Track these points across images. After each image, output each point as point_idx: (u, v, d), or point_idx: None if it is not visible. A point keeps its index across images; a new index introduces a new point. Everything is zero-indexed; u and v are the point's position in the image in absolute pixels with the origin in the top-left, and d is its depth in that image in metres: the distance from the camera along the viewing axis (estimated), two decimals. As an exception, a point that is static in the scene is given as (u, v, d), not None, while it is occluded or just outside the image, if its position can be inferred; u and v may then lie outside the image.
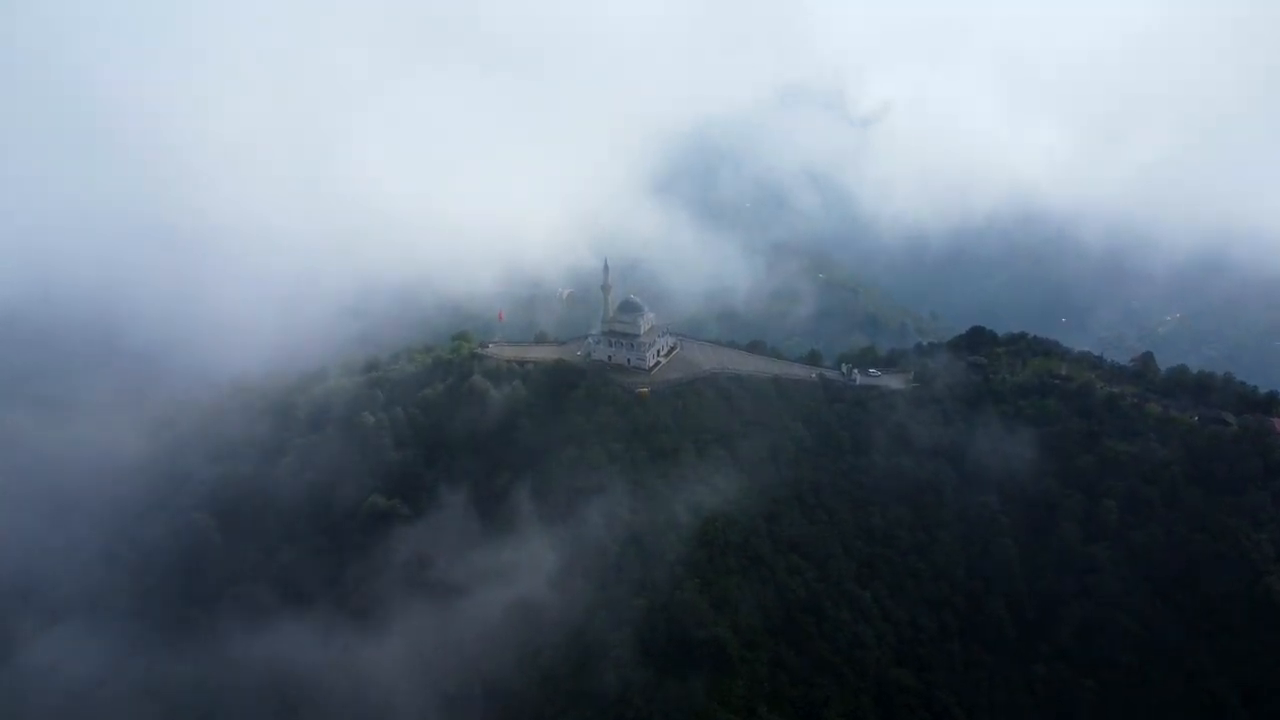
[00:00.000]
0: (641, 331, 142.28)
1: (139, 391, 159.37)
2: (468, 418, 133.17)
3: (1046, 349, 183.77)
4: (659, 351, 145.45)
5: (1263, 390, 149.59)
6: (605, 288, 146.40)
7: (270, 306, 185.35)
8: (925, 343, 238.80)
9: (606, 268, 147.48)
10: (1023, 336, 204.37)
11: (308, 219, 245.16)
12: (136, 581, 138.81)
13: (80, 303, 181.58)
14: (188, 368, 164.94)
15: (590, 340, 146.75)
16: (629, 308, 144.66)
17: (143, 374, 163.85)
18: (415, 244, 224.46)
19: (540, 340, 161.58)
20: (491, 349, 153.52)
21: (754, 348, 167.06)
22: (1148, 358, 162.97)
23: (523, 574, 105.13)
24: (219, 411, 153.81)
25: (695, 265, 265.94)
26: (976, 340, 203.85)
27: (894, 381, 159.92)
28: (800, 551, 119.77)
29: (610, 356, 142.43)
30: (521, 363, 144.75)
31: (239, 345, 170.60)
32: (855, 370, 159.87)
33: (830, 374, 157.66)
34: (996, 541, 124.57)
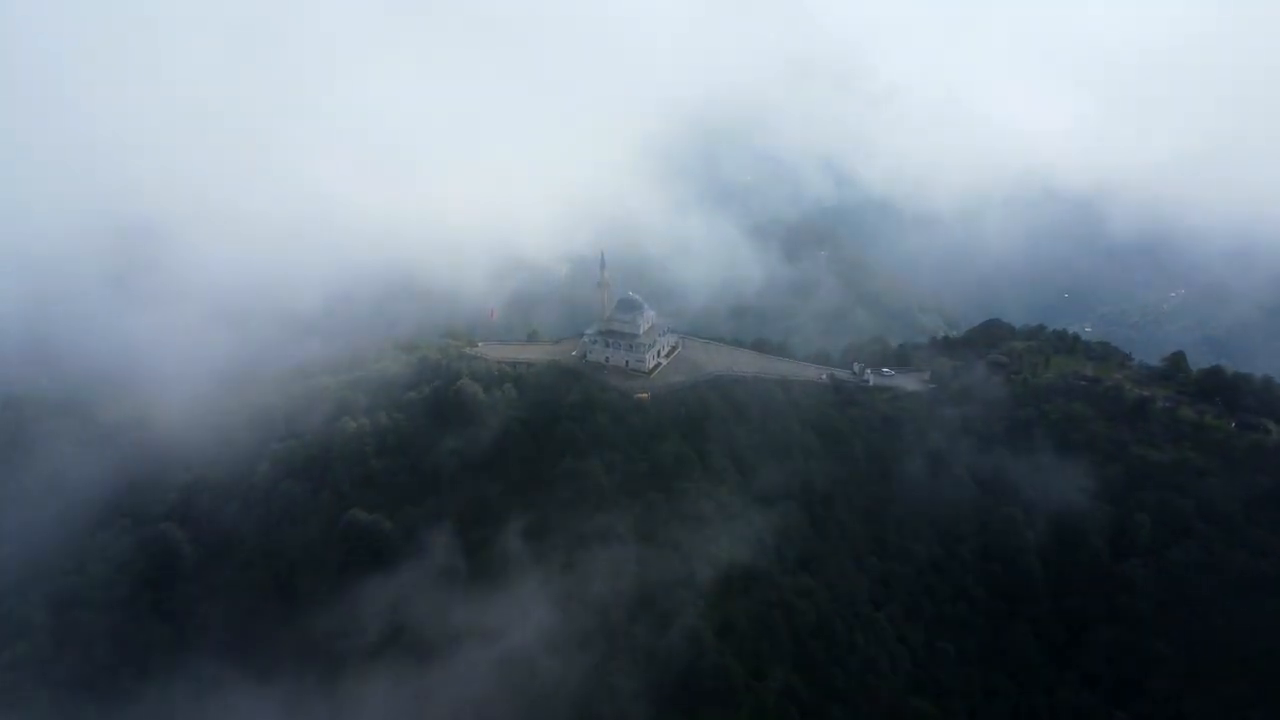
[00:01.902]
0: (641, 331, 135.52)
1: (104, 392, 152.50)
2: (455, 425, 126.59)
3: (1069, 345, 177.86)
4: (659, 352, 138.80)
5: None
6: (602, 284, 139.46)
7: (247, 299, 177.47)
8: (940, 336, 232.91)
9: (603, 263, 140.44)
10: (1041, 329, 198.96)
11: (286, 204, 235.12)
12: (103, 595, 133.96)
13: (38, 296, 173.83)
14: (157, 366, 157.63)
15: (586, 340, 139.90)
16: (627, 306, 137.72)
17: (108, 373, 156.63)
18: (402, 232, 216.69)
19: (533, 339, 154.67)
20: (481, 348, 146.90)
21: (759, 346, 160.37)
22: (1178, 357, 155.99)
23: (513, 607, 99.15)
24: (191, 413, 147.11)
25: (699, 252, 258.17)
26: (993, 334, 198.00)
27: (909, 382, 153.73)
28: (810, 569, 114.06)
29: (607, 358, 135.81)
30: (513, 364, 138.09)
31: (213, 340, 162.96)
32: (868, 370, 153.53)
33: (841, 374, 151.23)
34: (1020, 558, 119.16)
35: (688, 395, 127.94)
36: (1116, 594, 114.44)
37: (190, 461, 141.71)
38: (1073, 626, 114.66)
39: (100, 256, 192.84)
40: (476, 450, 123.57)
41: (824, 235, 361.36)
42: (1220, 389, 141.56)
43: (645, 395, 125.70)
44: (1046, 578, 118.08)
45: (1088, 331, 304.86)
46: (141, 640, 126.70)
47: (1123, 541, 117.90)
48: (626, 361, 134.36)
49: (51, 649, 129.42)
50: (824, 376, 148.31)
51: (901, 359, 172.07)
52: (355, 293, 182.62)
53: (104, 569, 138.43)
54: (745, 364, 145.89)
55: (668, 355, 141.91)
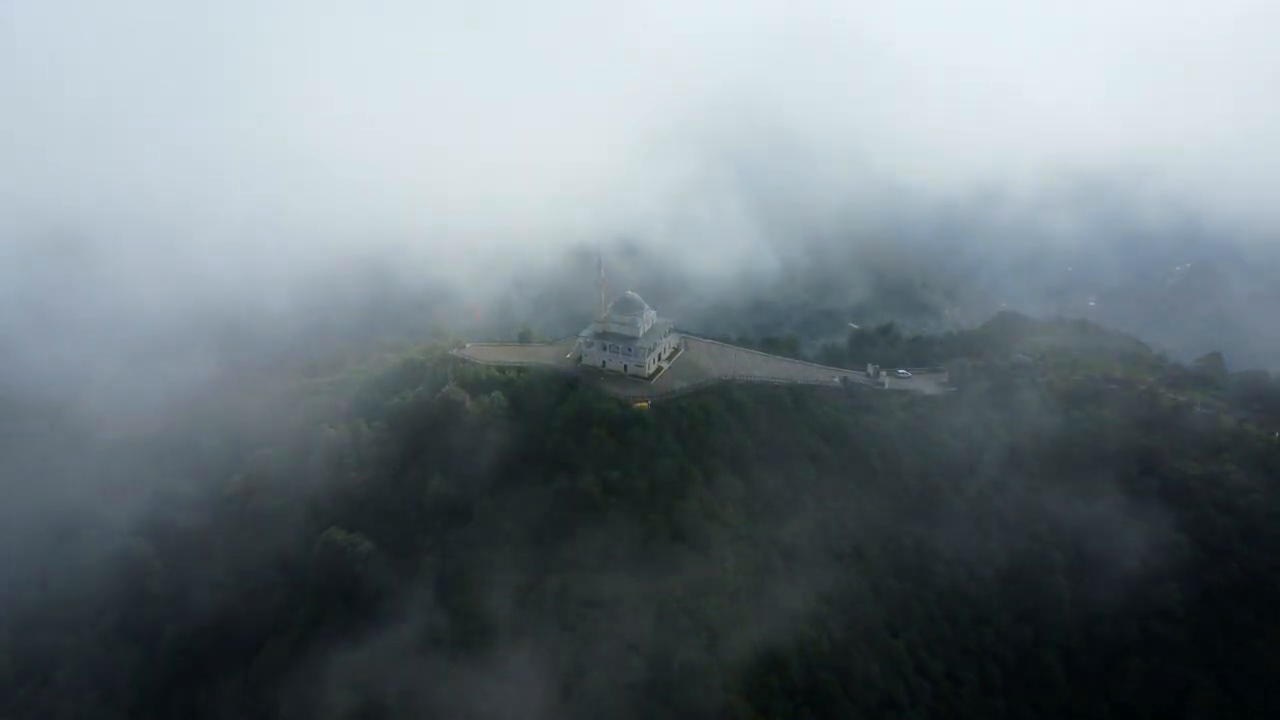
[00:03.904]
0: (640, 333, 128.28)
1: (69, 394, 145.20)
2: (440, 435, 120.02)
3: (1094, 343, 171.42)
4: (660, 355, 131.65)
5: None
6: (599, 282, 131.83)
7: (219, 293, 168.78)
8: (955, 330, 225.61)
9: (599, 262, 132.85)
10: (1060, 322, 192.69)
11: (261, 191, 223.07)
12: (67, 614, 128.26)
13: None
14: (125, 365, 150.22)
15: (582, 342, 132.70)
16: (626, 306, 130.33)
17: (73, 373, 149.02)
18: (386, 220, 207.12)
19: (525, 340, 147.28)
20: (470, 350, 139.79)
21: (767, 346, 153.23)
22: (1215, 359, 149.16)
23: (498, 636, 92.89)
24: (161, 417, 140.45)
25: (701, 240, 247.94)
26: (1011, 327, 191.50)
27: (926, 385, 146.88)
28: (823, 595, 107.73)
29: (604, 362, 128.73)
30: (503, 368, 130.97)
31: (183, 337, 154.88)
32: (883, 372, 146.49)
33: (855, 376, 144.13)
34: (1047, 580, 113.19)
35: (691, 403, 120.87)
36: (1151, 619, 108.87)
37: (161, 469, 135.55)
38: (1104, 654, 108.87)
39: (66, 247, 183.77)
40: (462, 463, 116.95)
41: (830, 214, 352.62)
42: (1261, 395, 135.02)
43: (645, 403, 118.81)
44: (1075, 602, 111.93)
45: (1091, 306, 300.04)
46: (108, 663, 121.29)
47: (1158, 562, 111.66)
48: (625, 366, 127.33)
49: (12, 673, 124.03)
50: (836, 379, 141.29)
51: (917, 357, 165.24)
52: (336, 287, 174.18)
53: (68, 585, 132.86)
54: (752, 366, 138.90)
55: (669, 358, 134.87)
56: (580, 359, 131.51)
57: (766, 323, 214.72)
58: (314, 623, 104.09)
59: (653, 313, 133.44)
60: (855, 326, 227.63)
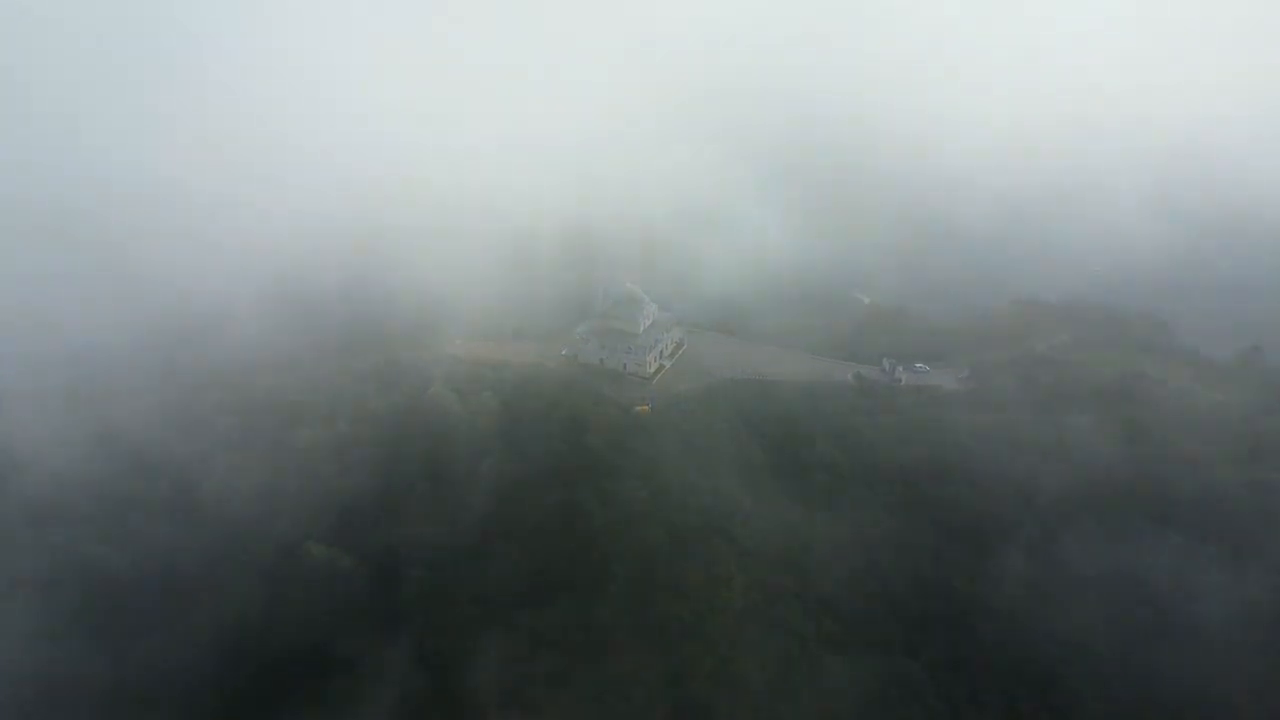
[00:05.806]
0: (641, 330, 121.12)
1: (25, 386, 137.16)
2: (428, 439, 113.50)
3: (1119, 332, 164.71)
4: (662, 353, 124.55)
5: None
6: (598, 275, 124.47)
7: (183, 277, 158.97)
8: (977, 317, 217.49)
9: (598, 256, 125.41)
10: (1078, 308, 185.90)
11: (227, 161, 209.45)
12: (28, 623, 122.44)
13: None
14: (81, 355, 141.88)
15: (579, 338, 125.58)
16: (626, 300, 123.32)
17: (26, 359, 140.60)
18: (370, 207, 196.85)
19: (518, 336, 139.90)
20: (459, 346, 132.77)
21: (776, 339, 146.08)
22: (1254, 353, 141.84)
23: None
24: (122, 415, 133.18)
25: (712, 228, 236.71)
26: (1030, 315, 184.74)
27: (945, 380, 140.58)
28: (833, 613, 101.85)
29: (602, 360, 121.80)
30: (495, 367, 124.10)
31: (144, 327, 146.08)
32: (899, 367, 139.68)
33: (870, 372, 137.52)
34: (1077, 597, 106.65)
35: (695, 407, 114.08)
36: (1189, 643, 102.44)
37: (127, 474, 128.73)
38: (1139, 679, 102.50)
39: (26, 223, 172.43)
40: (452, 470, 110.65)
41: (848, 196, 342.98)
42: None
43: (645, 408, 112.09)
44: (1107, 622, 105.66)
45: (1096, 273, 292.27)
46: (73, 680, 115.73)
47: (1197, 581, 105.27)
48: (624, 364, 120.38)
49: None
50: (850, 376, 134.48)
51: (934, 348, 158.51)
52: (315, 278, 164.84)
53: (31, 593, 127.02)
54: (759, 363, 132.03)
55: (671, 355, 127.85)
56: (576, 356, 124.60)
57: (776, 314, 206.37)
58: (292, 647, 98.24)
59: (654, 306, 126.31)
60: (867, 301, 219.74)
